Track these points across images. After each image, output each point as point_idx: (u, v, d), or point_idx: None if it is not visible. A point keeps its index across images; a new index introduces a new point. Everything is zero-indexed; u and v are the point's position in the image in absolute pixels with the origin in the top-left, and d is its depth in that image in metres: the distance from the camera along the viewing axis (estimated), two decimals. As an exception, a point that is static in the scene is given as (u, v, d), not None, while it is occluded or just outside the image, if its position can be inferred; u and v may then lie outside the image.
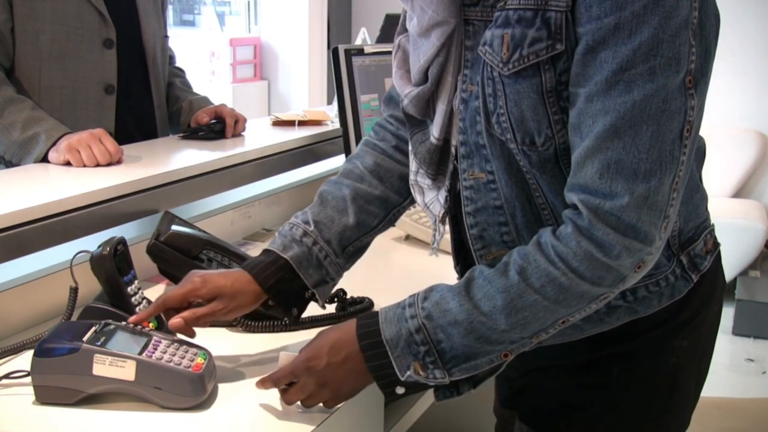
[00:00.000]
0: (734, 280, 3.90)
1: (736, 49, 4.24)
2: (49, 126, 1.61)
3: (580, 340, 1.03)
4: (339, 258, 1.13)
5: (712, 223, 1.09)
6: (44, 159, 1.59)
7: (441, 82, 1.00)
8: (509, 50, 0.89)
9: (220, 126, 1.90)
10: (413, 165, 1.11)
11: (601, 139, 0.85)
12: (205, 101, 2.03)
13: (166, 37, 2.03)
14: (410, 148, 1.11)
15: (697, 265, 1.03)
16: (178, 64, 2.17)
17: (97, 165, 1.56)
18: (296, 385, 0.97)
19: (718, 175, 4.28)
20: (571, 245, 0.87)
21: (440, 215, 1.11)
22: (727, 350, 3.53)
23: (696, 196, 1.05)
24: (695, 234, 1.04)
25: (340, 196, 1.15)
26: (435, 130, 1.04)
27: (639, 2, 0.82)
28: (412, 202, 1.20)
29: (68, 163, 1.56)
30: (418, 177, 1.12)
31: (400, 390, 0.95)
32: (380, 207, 1.17)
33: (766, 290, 3.82)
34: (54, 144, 1.58)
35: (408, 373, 0.92)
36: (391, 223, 1.21)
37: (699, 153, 1.05)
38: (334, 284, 1.16)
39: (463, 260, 1.14)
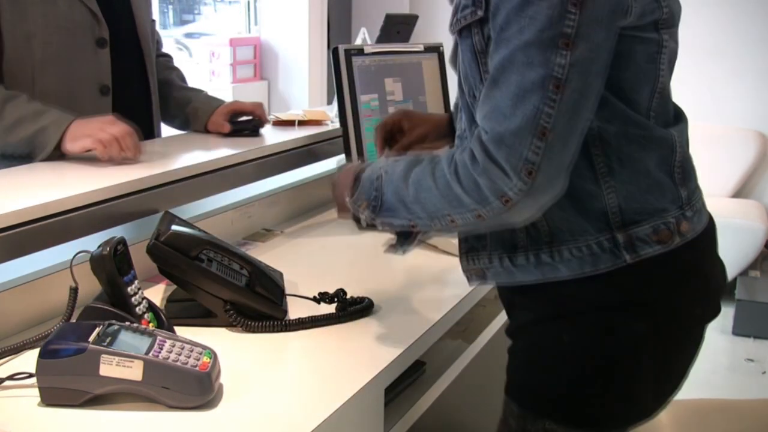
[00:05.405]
0: (734, 280, 3.90)
1: (736, 49, 4.24)
2: (56, 117, 1.59)
3: (536, 299, 1.13)
4: None
5: (675, 218, 1.08)
6: (56, 149, 1.57)
7: None
8: (453, 14, 1.07)
9: (257, 121, 1.99)
10: None
11: (487, 88, 1.00)
12: (207, 102, 2.01)
13: (153, 21, 1.97)
14: None
15: (636, 249, 1.06)
16: (176, 63, 2.14)
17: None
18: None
19: (718, 175, 4.28)
20: (463, 155, 1.02)
21: None
22: (727, 350, 3.52)
23: (644, 181, 1.07)
24: (640, 217, 1.06)
25: None
26: None
27: None
28: None
29: (88, 150, 1.55)
30: None
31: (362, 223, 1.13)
32: None
33: (766, 290, 3.82)
34: (64, 133, 1.56)
35: (359, 203, 1.11)
36: None
37: (664, 146, 1.08)
38: None
39: None
